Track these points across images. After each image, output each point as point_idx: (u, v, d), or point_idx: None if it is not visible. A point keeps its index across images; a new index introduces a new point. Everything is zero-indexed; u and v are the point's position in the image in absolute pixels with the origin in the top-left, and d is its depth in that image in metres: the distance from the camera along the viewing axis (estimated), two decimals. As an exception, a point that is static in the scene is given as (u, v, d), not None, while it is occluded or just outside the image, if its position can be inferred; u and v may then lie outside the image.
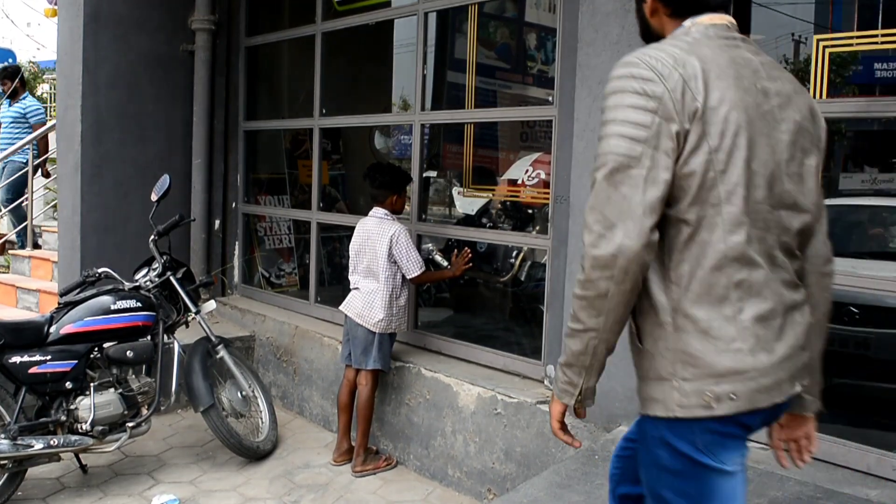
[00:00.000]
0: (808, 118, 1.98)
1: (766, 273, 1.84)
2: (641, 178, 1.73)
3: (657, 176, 1.74)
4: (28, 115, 8.81)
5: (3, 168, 8.65)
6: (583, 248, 1.78)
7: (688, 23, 1.97)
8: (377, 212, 4.80)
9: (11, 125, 8.77)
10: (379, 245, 4.70)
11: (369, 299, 4.74)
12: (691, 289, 1.80)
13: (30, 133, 8.57)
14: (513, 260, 5.68)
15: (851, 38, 3.72)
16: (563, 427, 2.06)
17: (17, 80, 8.68)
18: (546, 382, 4.42)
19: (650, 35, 2.08)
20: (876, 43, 3.66)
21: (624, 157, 1.74)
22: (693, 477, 1.85)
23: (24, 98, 8.92)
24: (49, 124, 8.83)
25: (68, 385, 4.34)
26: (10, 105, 8.87)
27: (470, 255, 4.76)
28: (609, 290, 1.77)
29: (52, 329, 4.35)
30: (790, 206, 1.91)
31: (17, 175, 8.57)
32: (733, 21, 2.01)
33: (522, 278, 5.62)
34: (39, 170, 8.76)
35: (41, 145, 8.57)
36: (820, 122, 2.05)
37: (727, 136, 1.77)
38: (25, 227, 8.48)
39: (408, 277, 4.73)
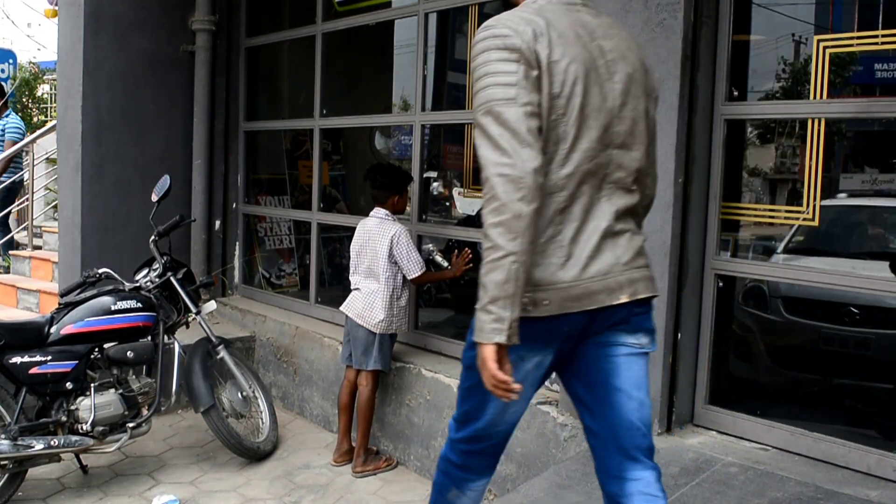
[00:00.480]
0: (639, 70, 2.30)
1: (590, 202, 2.18)
2: (523, 113, 2.03)
3: (532, 110, 2.05)
4: (5, 131, 8.74)
5: None
6: (488, 177, 2.02)
7: None
8: (378, 212, 4.80)
9: None
10: (380, 245, 4.70)
11: (370, 300, 4.74)
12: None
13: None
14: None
15: (852, 38, 3.73)
16: (503, 367, 2.06)
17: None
18: (546, 383, 4.42)
19: (509, 5, 2.34)
20: (876, 43, 3.66)
21: (503, 99, 2.04)
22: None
23: (6, 115, 8.86)
24: (48, 126, 8.83)
25: (69, 385, 4.34)
26: None
27: (470, 256, 4.75)
28: (522, 210, 1.99)
29: (53, 329, 4.35)
30: (621, 146, 2.24)
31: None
32: None
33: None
34: None
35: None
36: (652, 74, 2.38)
37: (566, 85, 2.10)
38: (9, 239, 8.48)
39: (408, 278, 4.73)
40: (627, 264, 2.25)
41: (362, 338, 4.75)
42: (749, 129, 4.20)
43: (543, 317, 2.13)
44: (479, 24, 5.34)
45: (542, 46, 2.09)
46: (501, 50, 2.08)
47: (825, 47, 3.58)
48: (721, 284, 3.86)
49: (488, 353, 2.04)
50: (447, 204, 6.49)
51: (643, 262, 2.32)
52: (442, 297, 6.15)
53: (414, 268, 4.70)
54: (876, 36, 3.68)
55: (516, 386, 2.07)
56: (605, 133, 2.18)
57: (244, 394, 5.04)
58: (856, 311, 4.05)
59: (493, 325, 2.02)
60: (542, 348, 2.23)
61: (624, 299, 2.22)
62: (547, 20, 2.14)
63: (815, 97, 3.60)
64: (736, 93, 3.81)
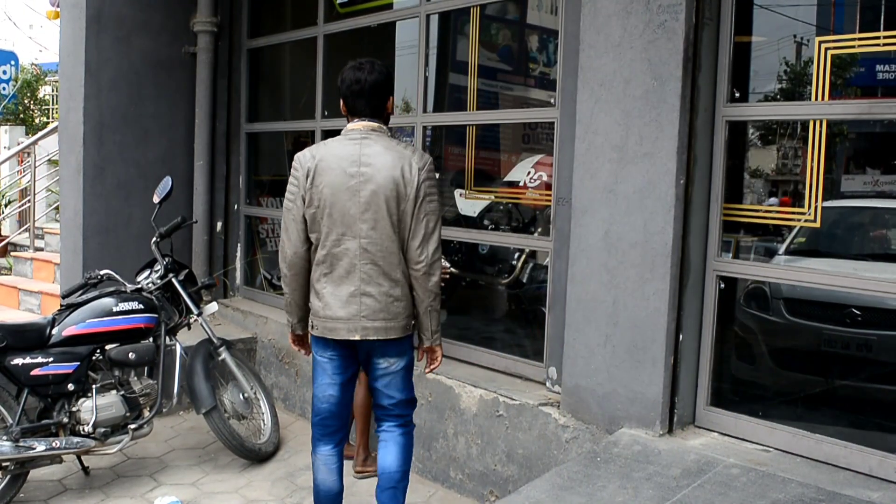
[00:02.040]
0: (389, 184, 3.39)
1: (340, 273, 3.47)
2: (293, 219, 3.52)
3: (299, 217, 3.50)
4: None
5: None
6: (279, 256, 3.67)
7: (348, 124, 3.59)
8: None
9: None
10: None
11: None
12: (313, 274, 3.56)
13: None
14: (515, 262, 5.67)
15: (853, 39, 3.72)
16: (296, 343, 3.89)
17: None
18: (548, 384, 4.42)
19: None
20: (878, 45, 3.66)
21: (286, 208, 3.54)
22: (314, 360, 3.71)
23: None
24: (50, 127, 8.85)
25: (70, 387, 4.35)
26: None
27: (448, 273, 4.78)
28: (286, 273, 3.63)
29: (55, 331, 4.36)
30: (363, 237, 3.42)
31: None
32: (368, 124, 3.53)
33: (524, 280, 5.61)
34: None
35: None
36: (409, 180, 3.41)
37: (322, 202, 3.44)
38: None
39: None
40: (366, 316, 3.47)
41: None
42: (751, 131, 4.20)
43: (317, 336, 3.61)
44: (481, 25, 5.35)
45: (311, 176, 3.47)
46: (293, 175, 3.54)
47: (826, 48, 3.58)
48: (723, 286, 3.86)
49: (291, 338, 3.89)
50: (449, 205, 6.49)
51: (382, 316, 3.48)
52: (443, 298, 6.13)
53: None
54: (878, 37, 3.68)
55: (303, 352, 3.89)
56: (348, 230, 3.42)
57: (246, 395, 5.05)
58: (858, 312, 4.04)
59: (291, 324, 3.80)
60: (326, 350, 3.62)
61: (356, 337, 3.49)
62: (326, 153, 3.49)
63: (816, 98, 3.59)
64: (737, 94, 3.81)
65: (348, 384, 3.69)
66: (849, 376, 4.21)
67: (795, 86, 4.03)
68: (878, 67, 3.91)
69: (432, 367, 3.72)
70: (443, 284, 3.63)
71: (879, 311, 3.93)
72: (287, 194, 3.52)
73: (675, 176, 3.62)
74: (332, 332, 3.50)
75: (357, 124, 3.53)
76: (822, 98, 3.56)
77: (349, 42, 6.22)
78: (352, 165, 3.41)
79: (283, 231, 3.55)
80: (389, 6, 5.81)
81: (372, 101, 3.52)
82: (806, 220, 3.68)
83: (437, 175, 3.57)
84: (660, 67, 3.66)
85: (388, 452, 3.66)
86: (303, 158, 3.51)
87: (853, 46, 3.69)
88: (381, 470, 3.67)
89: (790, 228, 4.05)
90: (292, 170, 3.51)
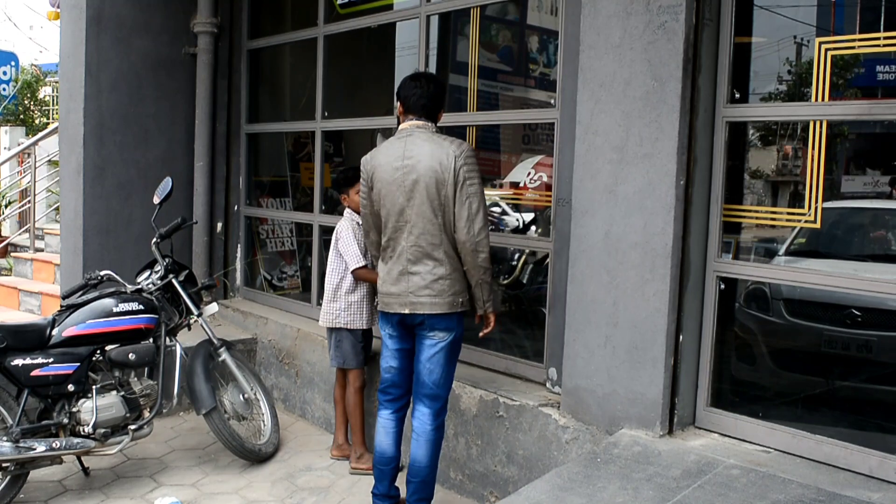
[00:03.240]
0: (429, 172, 3.77)
1: (395, 252, 3.90)
2: (368, 214, 4.06)
3: (372, 214, 4.03)
4: None
5: None
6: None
7: (401, 125, 4.01)
8: (345, 210, 5.02)
9: None
10: (332, 240, 4.91)
11: (326, 296, 4.91)
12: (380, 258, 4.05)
13: None
14: (515, 262, 5.68)
15: (853, 40, 3.72)
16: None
17: None
18: (548, 385, 4.42)
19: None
20: (878, 45, 3.66)
21: (361, 205, 4.12)
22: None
23: None
24: (50, 128, 8.85)
25: (70, 388, 4.35)
26: None
27: None
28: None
29: (55, 332, 4.36)
30: (409, 222, 3.83)
31: None
32: (416, 122, 3.94)
33: (524, 281, 5.62)
34: None
35: None
36: (447, 166, 3.76)
37: (381, 197, 3.91)
38: None
39: (349, 271, 4.81)
40: (413, 292, 3.86)
41: (327, 334, 4.94)
42: (751, 131, 4.20)
43: (379, 310, 4.09)
44: (481, 25, 5.35)
45: (370, 173, 3.98)
46: (362, 174, 4.06)
47: (827, 49, 3.58)
48: (723, 286, 3.86)
49: None
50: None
51: (426, 293, 3.84)
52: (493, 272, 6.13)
53: (351, 261, 4.77)
54: (878, 38, 3.68)
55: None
56: (399, 217, 3.85)
57: (246, 396, 5.05)
58: (857, 313, 4.05)
59: None
60: (386, 325, 4.06)
61: (406, 311, 3.89)
62: (381, 151, 3.96)
63: (816, 99, 3.59)
64: (738, 95, 3.81)
65: (407, 356, 4.07)
66: (849, 377, 4.22)
67: (795, 87, 4.04)
68: (879, 68, 3.91)
69: (487, 330, 4.08)
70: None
71: (879, 311, 3.94)
72: (361, 194, 4.11)
73: (676, 177, 3.62)
74: (387, 306, 3.96)
75: (406, 124, 3.95)
76: (823, 99, 3.56)
77: (349, 43, 6.23)
78: (397, 160, 3.84)
79: (365, 228, 4.23)
80: (389, 7, 5.81)
81: (429, 104, 3.95)
82: (806, 221, 3.68)
83: (476, 160, 3.84)
84: (660, 68, 3.66)
85: (418, 446, 3.96)
86: (365, 163, 4.02)
87: (853, 47, 3.69)
88: (411, 461, 3.99)
89: (790, 229, 4.05)
90: (361, 172, 4.06)
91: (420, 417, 3.98)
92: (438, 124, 4.01)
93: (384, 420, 4.15)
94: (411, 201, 3.81)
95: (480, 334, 4.10)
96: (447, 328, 3.90)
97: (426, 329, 3.92)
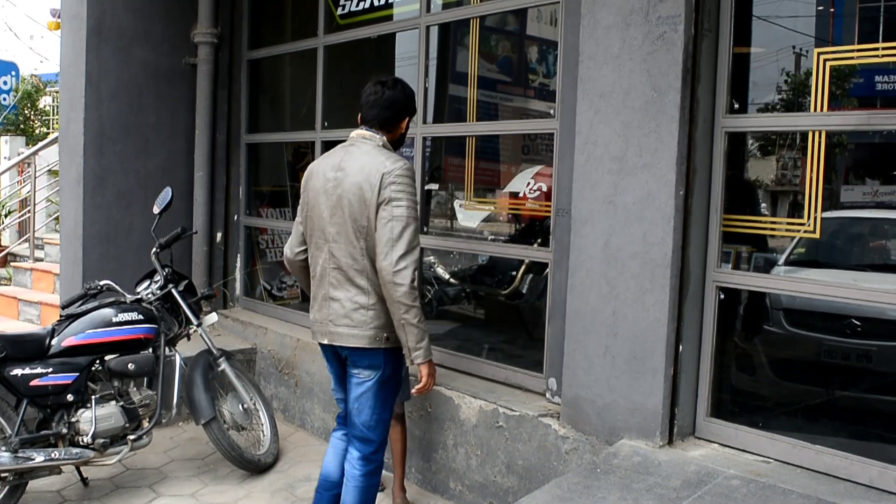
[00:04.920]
0: (354, 189, 3.41)
1: (317, 276, 3.60)
2: (296, 223, 3.77)
3: (298, 222, 3.75)
4: None
5: None
6: None
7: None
8: None
9: None
10: None
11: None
12: None
13: None
14: (514, 273, 5.68)
15: (852, 51, 3.73)
16: None
17: None
18: (548, 395, 4.42)
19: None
20: (877, 56, 3.67)
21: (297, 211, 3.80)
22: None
23: None
24: (50, 138, 8.86)
25: (69, 398, 4.34)
26: None
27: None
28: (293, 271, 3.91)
29: (54, 341, 4.35)
30: (331, 241, 3.50)
31: None
32: (363, 132, 3.61)
33: (524, 291, 5.62)
34: None
35: None
36: (373, 184, 3.38)
37: (307, 206, 3.61)
38: None
39: None
40: (332, 321, 3.54)
41: None
42: (750, 141, 4.21)
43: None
44: (481, 36, 5.37)
45: (305, 181, 3.67)
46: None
47: (825, 60, 3.59)
48: (722, 296, 3.86)
49: None
50: (448, 216, 6.50)
51: (345, 322, 3.49)
52: (443, 309, 6.14)
53: None
54: (876, 48, 3.69)
55: None
56: (322, 234, 3.53)
57: (245, 406, 5.04)
58: (857, 323, 4.05)
59: None
60: (324, 352, 3.77)
61: (325, 341, 3.61)
62: (323, 159, 3.65)
63: (815, 109, 3.60)
64: (737, 105, 3.82)
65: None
66: (849, 387, 4.21)
67: (794, 97, 4.04)
68: (877, 78, 3.92)
69: (418, 388, 3.58)
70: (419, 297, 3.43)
71: (879, 321, 3.94)
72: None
73: (675, 187, 3.62)
74: (314, 334, 3.69)
75: (355, 132, 3.64)
76: (821, 109, 3.57)
77: (349, 53, 6.24)
78: (331, 170, 3.53)
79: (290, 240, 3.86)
80: (389, 17, 5.83)
81: (382, 112, 3.59)
82: (805, 231, 3.68)
83: (412, 182, 3.46)
84: (659, 79, 3.66)
85: (346, 492, 3.64)
86: (310, 166, 3.74)
87: (852, 58, 3.70)
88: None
89: (790, 239, 4.05)
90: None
91: (350, 461, 3.66)
92: (403, 136, 3.74)
93: (334, 438, 3.87)
94: (333, 218, 3.48)
95: (413, 391, 3.66)
96: (370, 366, 3.53)
97: (350, 365, 3.61)
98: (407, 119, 3.70)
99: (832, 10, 4.16)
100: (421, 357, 3.44)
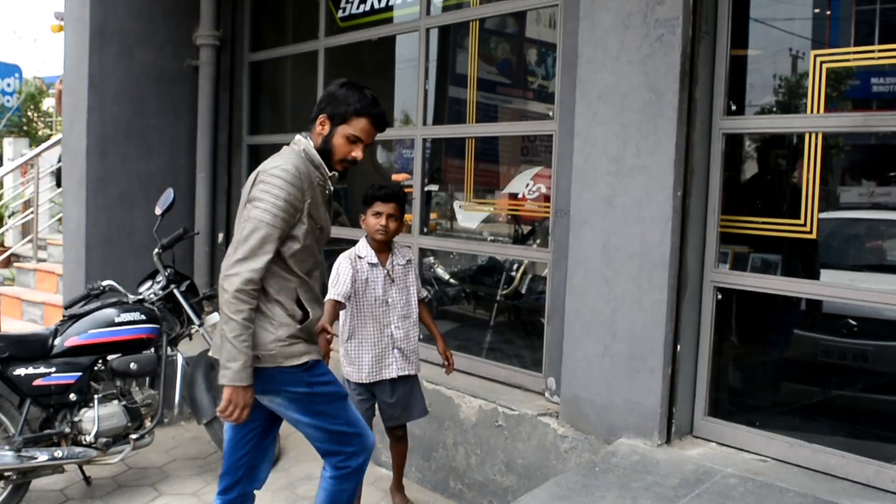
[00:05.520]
0: (244, 195, 3.09)
1: None
2: None
3: None
4: None
5: None
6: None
7: None
8: None
9: None
10: None
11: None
12: None
13: None
14: (514, 273, 5.71)
15: (848, 53, 3.76)
16: None
17: None
18: (547, 395, 4.45)
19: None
20: (873, 58, 3.69)
21: None
22: None
23: None
24: (53, 140, 8.90)
25: (72, 397, 4.37)
26: None
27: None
28: None
29: (57, 341, 4.38)
30: None
31: None
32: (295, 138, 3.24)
33: (523, 291, 5.65)
34: None
35: None
36: (248, 187, 3.09)
37: None
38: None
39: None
40: None
41: None
42: (747, 143, 4.24)
43: None
44: (480, 38, 5.40)
45: None
46: None
47: (822, 62, 3.61)
48: (720, 297, 3.88)
49: None
50: (448, 216, 6.54)
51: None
52: (443, 309, 6.17)
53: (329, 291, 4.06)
54: (872, 51, 3.72)
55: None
56: None
57: (247, 406, 5.06)
58: (854, 322, 4.08)
59: None
60: None
61: None
62: None
63: (812, 111, 3.63)
64: (734, 107, 3.85)
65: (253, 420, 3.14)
66: (846, 386, 4.24)
67: (791, 98, 4.07)
68: (873, 80, 3.95)
69: (219, 409, 2.99)
70: (239, 313, 2.91)
71: (876, 321, 3.96)
72: None
73: (673, 188, 3.65)
74: None
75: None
76: (818, 111, 3.60)
77: (350, 55, 6.27)
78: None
79: None
80: (390, 20, 5.86)
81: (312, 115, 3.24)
82: (802, 232, 3.71)
83: (286, 186, 2.99)
84: (657, 81, 3.69)
85: (318, 492, 3.34)
86: None
87: (848, 60, 3.73)
88: None
89: (787, 239, 4.07)
90: None
91: (325, 467, 3.32)
92: (328, 143, 3.16)
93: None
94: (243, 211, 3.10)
95: (218, 411, 3.02)
96: (262, 391, 3.06)
97: None
98: (325, 120, 3.16)
99: (828, 12, 4.19)
100: (226, 379, 2.92)
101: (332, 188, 3.26)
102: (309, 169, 3.11)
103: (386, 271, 4.12)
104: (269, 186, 3.01)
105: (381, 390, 4.16)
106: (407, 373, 4.18)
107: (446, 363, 4.28)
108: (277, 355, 3.03)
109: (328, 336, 3.53)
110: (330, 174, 3.20)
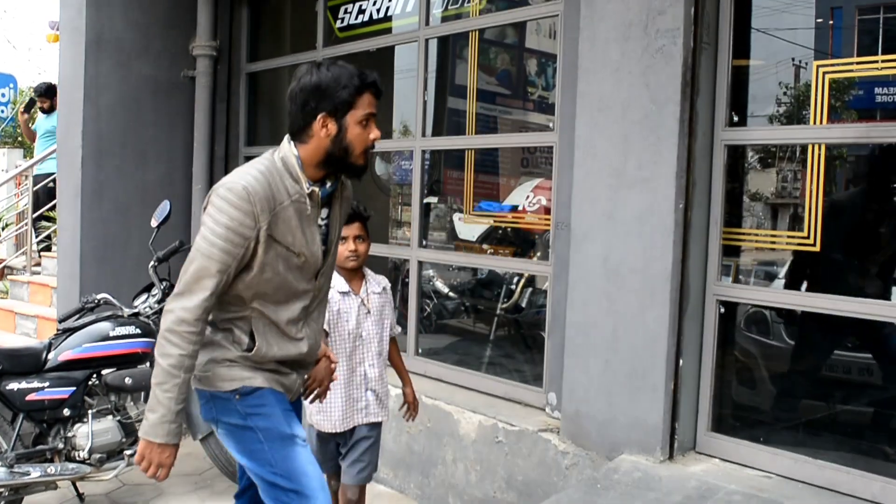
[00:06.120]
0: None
1: None
2: None
3: None
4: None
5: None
6: None
7: None
8: None
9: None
10: None
11: None
12: None
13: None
14: (514, 286, 5.67)
15: (851, 63, 3.74)
16: None
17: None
18: (548, 410, 4.40)
19: None
20: (876, 69, 3.67)
21: None
22: None
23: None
24: (49, 150, 8.87)
25: (66, 412, 4.31)
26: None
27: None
28: None
29: (51, 356, 4.33)
30: None
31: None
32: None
33: (524, 305, 5.61)
34: None
35: None
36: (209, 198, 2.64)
37: None
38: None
39: None
40: None
41: None
42: (750, 154, 4.20)
43: None
44: (480, 49, 5.37)
45: None
46: None
47: (824, 73, 3.59)
48: (723, 310, 3.84)
49: None
50: (447, 229, 6.51)
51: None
52: (442, 322, 6.13)
53: None
54: (876, 61, 3.69)
55: None
56: None
57: (243, 420, 5.01)
58: (857, 337, 4.04)
59: None
60: None
61: None
62: None
63: (815, 122, 3.60)
64: (736, 118, 3.81)
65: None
66: (850, 401, 4.19)
67: (794, 109, 4.04)
68: (877, 90, 3.92)
69: (139, 467, 2.63)
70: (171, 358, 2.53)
71: (881, 335, 3.92)
72: None
73: (675, 201, 3.61)
74: None
75: None
76: (821, 122, 3.57)
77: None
78: None
79: None
80: (388, 31, 5.83)
81: (290, 116, 2.70)
82: (806, 245, 3.67)
83: (235, 205, 2.55)
84: (658, 92, 3.66)
85: None
86: None
87: (851, 70, 3.70)
88: None
89: (791, 252, 4.04)
90: None
91: None
92: (337, 146, 2.65)
93: None
94: None
95: (134, 457, 2.71)
96: (205, 417, 2.83)
97: None
98: (327, 118, 2.62)
99: (831, 22, 4.16)
100: (141, 430, 2.59)
101: (316, 202, 2.70)
102: (279, 184, 2.61)
103: (360, 300, 3.61)
104: (212, 210, 2.59)
105: (347, 439, 3.66)
106: (380, 419, 3.69)
107: (410, 411, 3.86)
108: (212, 377, 2.68)
109: (331, 365, 3.12)
110: (308, 189, 2.65)
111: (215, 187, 2.63)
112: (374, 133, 2.71)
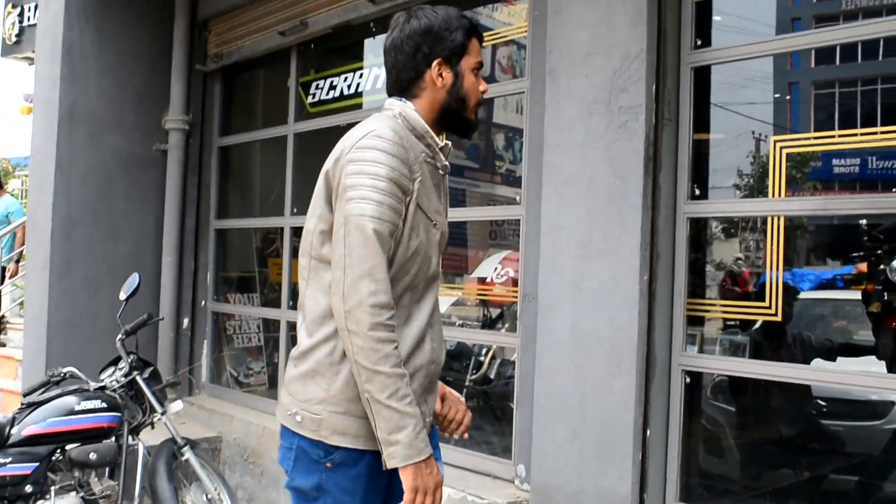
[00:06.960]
0: (321, 179, 2.30)
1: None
2: None
3: None
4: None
5: None
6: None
7: None
8: None
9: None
10: None
11: None
12: None
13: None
14: (482, 358, 5.67)
15: (809, 138, 3.85)
16: None
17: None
18: (517, 482, 4.37)
19: None
20: (833, 143, 3.78)
21: None
22: None
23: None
24: (19, 221, 8.87)
25: (28, 489, 4.22)
26: None
27: None
28: None
29: (14, 430, 4.26)
30: (301, 264, 2.36)
31: None
32: (385, 104, 2.37)
33: (492, 376, 5.61)
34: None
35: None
36: (338, 165, 2.23)
37: None
38: None
39: None
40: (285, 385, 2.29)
41: None
42: (713, 225, 4.28)
43: None
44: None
45: None
46: None
47: (782, 147, 3.69)
48: (688, 380, 3.87)
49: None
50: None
51: (286, 387, 2.28)
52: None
53: None
54: (832, 136, 3.81)
55: None
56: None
57: (209, 496, 4.92)
58: (823, 403, 4.08)
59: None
60: None
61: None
62: None
63: (773, 195, 3.69)
64: (698, 191, 3.90)
65: None
66: (817, 468, 4.21)
67: (754, 182, 4.15)
68: (835, 161, 4.04)
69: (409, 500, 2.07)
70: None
71: (845, 402, 3.97)
72: None
73: (639, 272, 3.66)
74: None
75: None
76: (779, 195, 3.65)
77: (319, 140, 6.32)
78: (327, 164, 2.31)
79: None
80: (359, 106, 5.93)
81: (392, 72, 2.36)
82: (767, 315, 3.73)
83: (384, 156, 2.14)
84: (622, 167, 3.74)
85: None
86: None
87: (808, 145, 3.81)
88: None
89: (753, 322, 4.10)
90: None
91: None
92: (452, 100, 2.34)
93: None
94: (306, 227, 2.39)
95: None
96: (284, 457, 2.35)
97: None
98: (443, 64, 2.28)
99: (788, 97, 4.30)
100: (397, 457, 2.03)
101: (447, 166, 2.37)
102: (410, 139, 2.22)
103: None
104: (360, 165, 2.13)
105: None
106: None
107: None
108: (323, 423, 2.16)
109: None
110: (441, 144, 2.30)
111: (351, 143, 2.21)
112: (484, 85, 2.38)
